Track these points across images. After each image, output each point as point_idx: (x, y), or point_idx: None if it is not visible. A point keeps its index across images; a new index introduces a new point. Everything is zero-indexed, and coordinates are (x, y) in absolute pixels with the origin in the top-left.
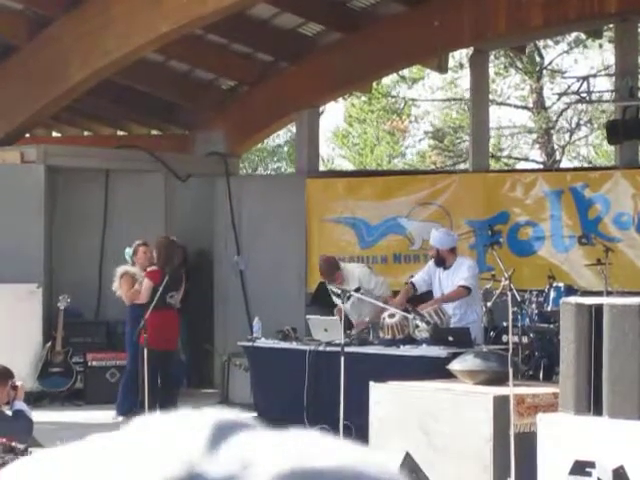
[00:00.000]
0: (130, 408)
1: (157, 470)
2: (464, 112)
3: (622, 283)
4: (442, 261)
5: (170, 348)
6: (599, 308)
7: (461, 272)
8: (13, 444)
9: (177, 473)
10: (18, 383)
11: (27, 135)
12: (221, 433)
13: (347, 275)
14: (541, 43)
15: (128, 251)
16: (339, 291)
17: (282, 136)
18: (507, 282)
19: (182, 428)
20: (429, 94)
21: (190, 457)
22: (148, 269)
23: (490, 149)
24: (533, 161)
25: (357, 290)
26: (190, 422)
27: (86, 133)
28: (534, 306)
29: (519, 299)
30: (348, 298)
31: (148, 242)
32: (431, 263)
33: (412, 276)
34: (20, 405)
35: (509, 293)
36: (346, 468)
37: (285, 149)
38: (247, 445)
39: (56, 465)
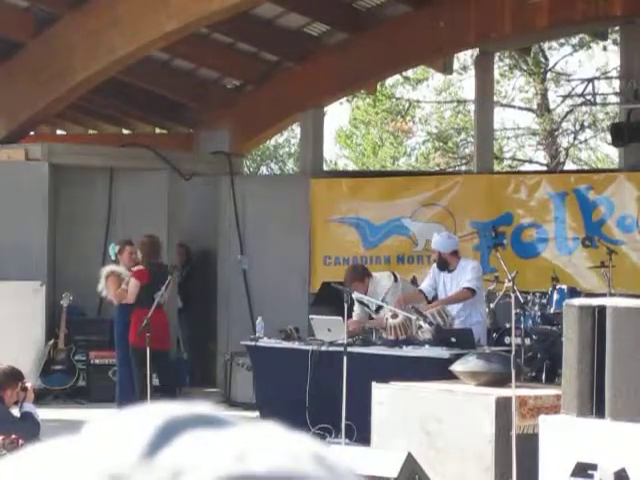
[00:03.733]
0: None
1: None
2: (468, 114)
3: (625, 285)
4: (445, 264)
5: (162, 347)
6: (602, 310)
7: (465, 274)
8: (20, 442)
9: None
10: (28, 384)
11: (32, 133)
12: (164, 434)
13: (375, 285)
14: (546, 45)
15: (113, 246)
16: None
17: (285, 136)
18: (510, 284)
19: (125, 430)
20: (433, 95)
21: (120, 466)
22: (134, 268)
23: (494, 151)
24: (537, 163)
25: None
26: (136, 422)
27: (90, 131)
28: (537, 308)
29: (522, 301)
30: (377, 310)
31: (132, 241)
32: (435, 267)
33: (414, 277)
34: (29, 407)
35: (512, 295)
36: (285, 471)
37: (287, 149)
38: (185, 449)
39: None
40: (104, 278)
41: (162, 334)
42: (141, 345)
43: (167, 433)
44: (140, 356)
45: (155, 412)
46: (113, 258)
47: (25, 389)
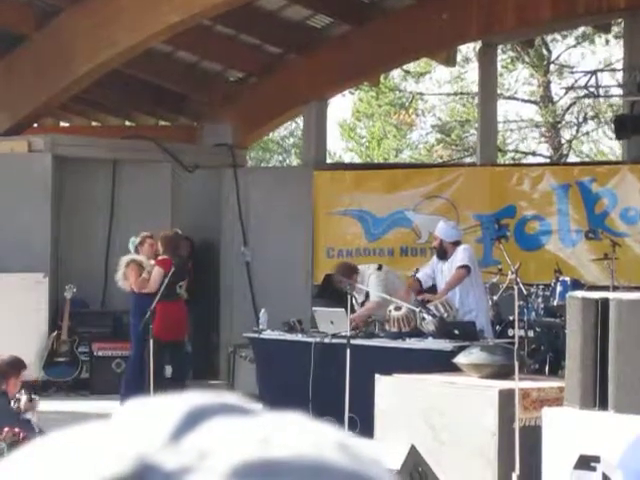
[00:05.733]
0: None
1: (107, 464)
2: (471, 106)
3: (628, 278)
4: (444, 253)
5: (178, 338)
6: (605, 302)
7: (457, 257)
8: (22, 435)
9: (129, 466)
10: (36, 398)
11: (35, 125)
12: (191, 420)
13: (362, 278)
14: (549, 37)
15: (133, 240)
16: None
17: (289, 128)
18: (514, 276)
19: (152, 415)
20: (436, 88)
21: (148, 448)
22: (159, 257)
23: (497, 143)
24: (540, 155)
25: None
26: (163, 408)
27: (94, 123)
28: (540, 300)
29: (525, 293)
30: (362, 304)
31: (153, 235)
32: (435, 258)
33: (417, 269)
34: (31, 416)
35: (515, 287)
36: (309, 458)
37: (291, 141)
38: (211, 433)
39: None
40: (124, 266)
41: (180, 326)
42: (160, 337)
43: (194, 419)
44: (156, 347)
45: (182, 400)
46: (133, 251)
47: (32, 400)
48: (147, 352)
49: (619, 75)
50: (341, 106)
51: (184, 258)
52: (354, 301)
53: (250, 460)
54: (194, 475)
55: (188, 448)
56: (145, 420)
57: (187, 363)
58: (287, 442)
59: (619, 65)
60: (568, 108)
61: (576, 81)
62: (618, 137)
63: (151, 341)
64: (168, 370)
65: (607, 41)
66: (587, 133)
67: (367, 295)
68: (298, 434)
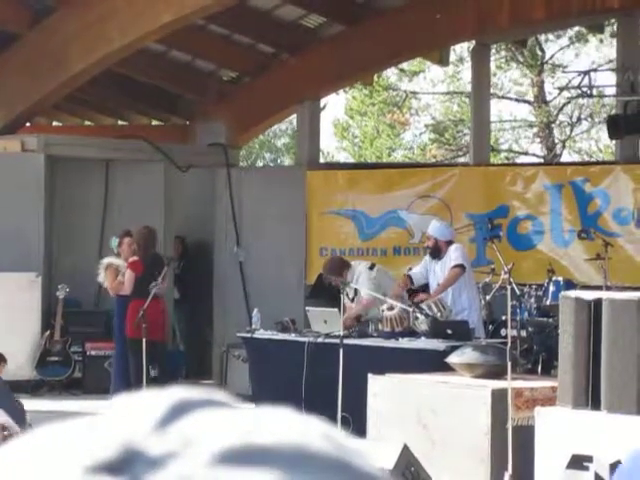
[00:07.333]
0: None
1: (94, 450)
2: (465, 105)
3: (621, 278)
4: (438, 252)
5: (156, 338)
6: (598, 302)
7: (450, 256)
8: (5, 427)
9: (115, 451)
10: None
11: (28, 124)
12: (176, 411)
13: (352, 274)
14: (542, 37)
15: (114, 240)
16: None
17: (282, 128)
18: (506, 276)
19: (139, 406)
20: (430, 87)
21: (134, 435)
22: (130, 260)
23: (491, 143)
24: (533, 155)
25: (356, 292)
26: (150, 400)
27: (87, 123)
28: (533, 300)
29: (518, 293)
30: (354, 297)
31: (132, 232)
32: (427, 257)
33: (410, 269)
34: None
35: (508, 287)
36: (294, 445)
37: (283, 141)
38: (196, 422)
39: None
40: (103, 269)
41: (157, 325)
42: (137, 336)
43: (180, 410)
44: (137, 347)
45: (169, 393)
46: (115, 251)
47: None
48: (132, 352)
49: (612, 75)
50: (334, 103)
51: (157, 256)
52: (345, 297)
53: (234, 446)
54: (179, 460)
55: (173, 435)
56: (131, 411)
57: (177, 363)
58: (272, 430)
59: (612, 65)
60: (562, 108)
61: (570, 81)
62: (611, 137)
63: (144, 341)
64: (152, 370)
65: (601, 40)
66: (587, 131)
67: (356, 292)
68: (284, 424)
